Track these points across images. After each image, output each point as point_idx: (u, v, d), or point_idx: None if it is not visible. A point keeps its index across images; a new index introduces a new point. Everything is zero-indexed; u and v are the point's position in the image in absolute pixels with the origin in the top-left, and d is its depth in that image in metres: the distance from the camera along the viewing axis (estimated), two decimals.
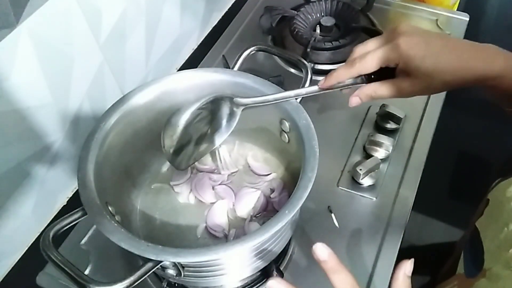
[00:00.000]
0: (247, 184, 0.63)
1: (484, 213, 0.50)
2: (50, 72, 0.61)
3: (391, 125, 0.74)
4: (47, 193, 0.69)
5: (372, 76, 0.51)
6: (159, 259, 0.42)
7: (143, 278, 0.41)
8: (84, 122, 0.70)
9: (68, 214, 0.45)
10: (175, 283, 0.60)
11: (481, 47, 0.48)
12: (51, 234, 0.43)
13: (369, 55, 0.49)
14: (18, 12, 0.54)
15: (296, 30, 0.87)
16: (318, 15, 0.91)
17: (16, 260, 0.66)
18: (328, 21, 0.87)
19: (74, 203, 0.70)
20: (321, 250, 0.41)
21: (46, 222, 0.69)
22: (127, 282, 0.40)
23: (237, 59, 0.60)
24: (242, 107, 0.53)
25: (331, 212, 0.66)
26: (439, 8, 0.95)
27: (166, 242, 0.58)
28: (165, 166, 0.65)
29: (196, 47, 0.96)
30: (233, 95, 0.54)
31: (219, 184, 0.63)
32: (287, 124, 0.55)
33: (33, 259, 0.66)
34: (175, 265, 0.44)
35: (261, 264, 0.54)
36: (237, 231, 0.59)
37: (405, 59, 0.47)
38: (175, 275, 0.45)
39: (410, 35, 0.48)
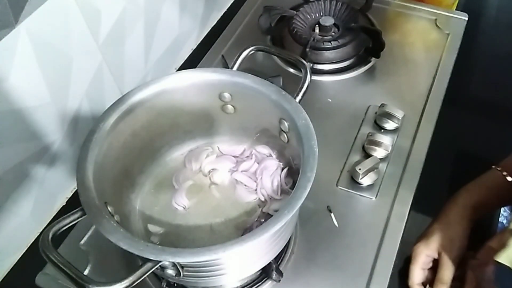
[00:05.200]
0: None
1: (510, 245, 0.49)
2: (49, 72, 0.61)
3: (390, 125, 0.74)
4: (46, 193, 0.69)
5: None
6: (158, 259, 0.42)
7: (142, 278, 0.41)
8: (83, 122, 0.70)
9: (67, 214, 0.45)
10: (174, 283, 0.60)
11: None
12: (50, 234, 0.43)
13: None
14: (17, 12, 0.54)
15: (295, 30, 0.87)
16: (317, 15, 0.91)
17: (16, 261, 0.66)
18: (327, 21, 0.87)
19: (73, 203, 0.70)
20: None
21: (45, 222, 0.69)
22: (126, 282, 0.40)
23: (236, 59, 0.60)
24: None
25: (330, 211, 0.66)
26: (438, 8, 0.95)
27: (166, 242, 0.58)
28: (165, 166, 0.65)
29: (195, 47, 0.96)
30: None
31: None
32: (286, 124, 0.55)
33: (33, 259, 0.66)
34: (174, 265, 0.44)
35: (260, 264, 0.54)
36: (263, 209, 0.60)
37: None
38: (174, 275, 0.45)
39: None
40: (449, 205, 0.64)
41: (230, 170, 0.64)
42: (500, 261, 0.49)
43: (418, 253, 0.62)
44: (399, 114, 0.73)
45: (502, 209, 0.70)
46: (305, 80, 0.57)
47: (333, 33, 0.88)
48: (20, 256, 0.67)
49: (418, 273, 0.62)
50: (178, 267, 0.44)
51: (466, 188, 0.65)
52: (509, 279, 0.49)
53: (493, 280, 0.53)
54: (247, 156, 0.65)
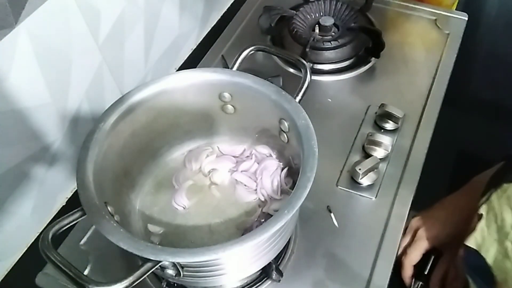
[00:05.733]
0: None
1: (478, 229, 0.50)
2: (49, 72, 0.61)
3: (390, 125, 0.74)
4: (46, 193, 0.68)
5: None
6: (158, 259, 0.42)
7: (142, 278, 0.41)
8: (83, 122, 0.70)
9: (67, 214, 0.45)
10: (174, 283, 0.60)
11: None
12: (50, 234, 0.43)
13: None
14: (17, 12, 0.54)
15: (295, 30, 0.87)
16: (317, 15, 0.91)
17: (16, 261, 0.66)
18: (327, 21, 0.87)
19: (73, 203, 0.70)
20: None
21: (45, 222, 0.69)
22: (126, 282, 0.40)
23: (236, 59, 0.60)
24: None
25: (330, 211, 0.66)
26: (438, 8, 0.95)
27: (166, 242, 0.58)
28: (164, 166, 0.65)
29: (195, 47, 0.96)
30: None
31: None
32: (286, 124, 0.55)
33: (33, 259, 0.66)
34: (174, 265, 0.44)
35: (260, 264, 0.54)
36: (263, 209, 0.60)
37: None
38: (174, 275, 0.45)
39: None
40: (465, 194, 0.62)
41: (230, 170, 0.64)
42: (468, 244, 0.50)
43: (425, 240, 0.61)
44: (399, 114, 0.73)
45: None
46: (305, 80, 0.57)
47: (333, 33, 0.88)
48: (20, 256, 0.67)
49: (417, 257, 0.62)
50: (178, 267, 0.44)
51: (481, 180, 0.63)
52: (474, 260, 0.50)
53: (463, 264, 0.53)
54: (247, 156, 0.65)
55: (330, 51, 0.84)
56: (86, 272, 0.63)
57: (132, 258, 0.62)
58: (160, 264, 0.42)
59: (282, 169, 0.62)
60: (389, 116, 0.74)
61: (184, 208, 0.61)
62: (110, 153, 0.53)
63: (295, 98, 0.55)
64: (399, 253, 0.63)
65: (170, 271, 0.45)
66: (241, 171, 0.63)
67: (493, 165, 0.62)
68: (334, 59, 0.85)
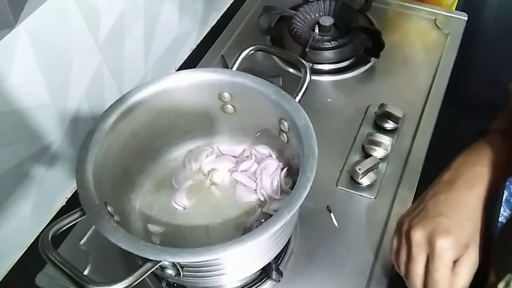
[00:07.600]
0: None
1: None
2: (48, 72, 0.61)
3: (390, 125, 0.74)
4: (46, 193, 0.69)
5: None
6: (158, 259, 0.42)
7: (142, 278, 0.41)
8: (83, 122, 0.70)
9: (67, 215, 0.45)
10: (174, 283, 0.60)
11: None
12: (50, 234, 0.43)
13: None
14: (17, 12, 0.54)
15: (295, 30, 0.87)
16: (317, 15, 0.91)
17: (15, 261, 0.66)
18: (327, 21, 0.87)
19: (73, 203, 0.70)
20: None
21: (45, 222, 0.69)
22: (126, 282, 0.40)
23: (236, 59, 0.60)
24: None
25: (330, 211, 0.66)
26: (437, 8, 0.95)
27: (166, 242, 0.58)
28: (164, 166, 0.65)
29: (194, 47, 0.96)
30: None
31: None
32: (286, 124, 0.55)
33: (32, 259, 0.66)
34: (174, 265, 0.44)
35: (260, 264, 0.54)
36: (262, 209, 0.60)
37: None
38: (174, 275, 0.45)
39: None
40: (464, 193, 0.52)
41: (230, 170, 0.64)
42: None
43: (445, 250, 0.49)
44: (399, 114, 0.73)
45: (502, 208, 0.70)
46: (305, 80, 0.57)
47: (333, 33, 0.88)
48: (20, 256, 0.67)
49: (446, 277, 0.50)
50: (178, 267, 0.44)
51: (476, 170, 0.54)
52: None
53: None
54: (247, 156, 0.65)
55: (330, 51, 0.85)
56: (86, 272, 0.63)
57: (132, 258, 0.62)
58: (160, 264, 0.42)
59: (282, 169, 0.62)
60: (389, 116, 0.74)
61: (184, 208, 0.61)
62: (110, 153, 0.53)
63: (295, 98, 0.55)
64: (401, 271, 0.54)
65: (170, 271, 0.45)
66: (241, 171, 0.63)
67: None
68: (334, 59, 0.85)
